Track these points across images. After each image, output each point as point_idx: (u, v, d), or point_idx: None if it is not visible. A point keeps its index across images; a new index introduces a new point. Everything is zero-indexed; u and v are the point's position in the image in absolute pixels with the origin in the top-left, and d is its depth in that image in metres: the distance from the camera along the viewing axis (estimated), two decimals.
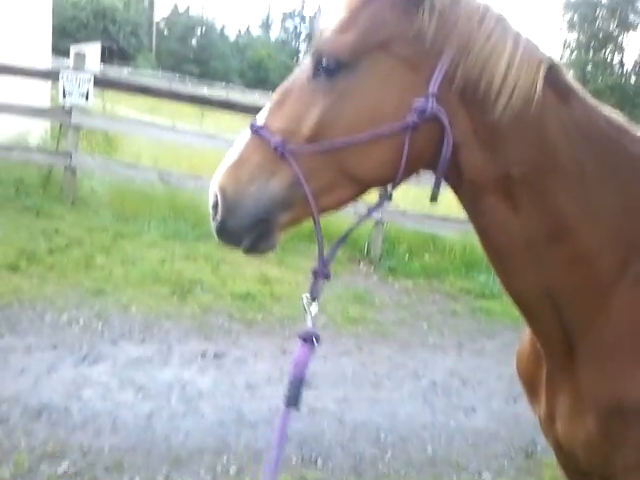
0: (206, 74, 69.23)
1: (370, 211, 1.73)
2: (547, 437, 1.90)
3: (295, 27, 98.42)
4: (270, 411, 4.11)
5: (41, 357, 4.39)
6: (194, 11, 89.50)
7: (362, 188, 1.61)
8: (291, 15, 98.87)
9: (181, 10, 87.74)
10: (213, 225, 1.59)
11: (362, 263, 7.88)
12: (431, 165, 1.59)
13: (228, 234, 1.59)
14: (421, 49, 1.53)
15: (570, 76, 1.65)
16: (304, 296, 1.67)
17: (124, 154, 10.97)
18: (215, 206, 1.58)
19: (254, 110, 7.44)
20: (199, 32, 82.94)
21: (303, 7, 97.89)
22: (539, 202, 1.58)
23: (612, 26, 74.67)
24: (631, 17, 74.75)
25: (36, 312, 5.07)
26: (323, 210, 1.61)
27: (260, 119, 1.59)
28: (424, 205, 8.25)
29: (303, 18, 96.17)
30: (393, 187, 1.64)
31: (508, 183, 1.58)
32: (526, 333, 1.93)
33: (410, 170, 1.59)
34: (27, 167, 8.46)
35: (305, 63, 1.60)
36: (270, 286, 6.34)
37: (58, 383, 4.09)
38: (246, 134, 1.60)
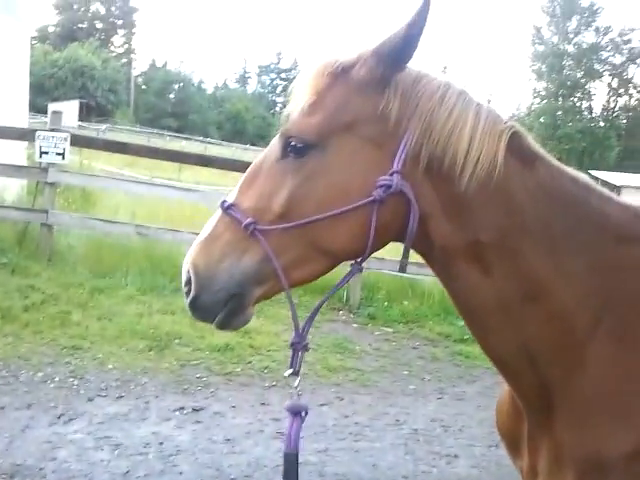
0: (184, 127, 69.82)
1: (341, 283, 1.75)
2: None
3: (271, 80, 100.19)
4: (250, 465, 4.05)
5: (15, 417, 4.31)
6: (172, 65, 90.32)
7: (333, 261, 1.65)
8: (267, 69, 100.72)
9: (159, 65, 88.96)
10: (186, 301, 1.63)
11: (341, 311, 7.88)
12: (400, 236, 1.63)
13: (201, 309, 1.62)
14: (385, 129, 1.59)
15: (533, 141, 1.70)
16: (286, 373, 1.70)
17: (102, 208, 10.98)
18: (187, 283, 1.62)
19: (229, 166, 7.55)
20: (177, 86, 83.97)
21: (279, 61, 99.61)
22: (510, 265, 1.62)
23: (579, 75, 77.09)
24: (596, 66, 77.32)
25: (10, 371, 4.98)
26: (295, 283, 1.65)
27: (230, 197, 1.65)
28: (401, 251, 8.30)
29: (279, 72, 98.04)
30: (363, 260, 1.67)
31: (478, 248, 1.62)
32: (505, 388, 1.94)
33: (379, 243, 1.63)
34: (3, 224, 8.42)
35: (273, 144, 1.66)
36: (249, 337, 6.30)
37: (32, 443, 4.00)
38: (217, 212, 1.65)
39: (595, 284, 1.65)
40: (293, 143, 1.60)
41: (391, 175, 1.56)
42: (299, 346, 1.68)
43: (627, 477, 1.60)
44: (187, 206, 10.48)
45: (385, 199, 1.55)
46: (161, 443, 4.20)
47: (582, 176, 1.74)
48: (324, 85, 1.63)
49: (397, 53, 1.58)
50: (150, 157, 8.65)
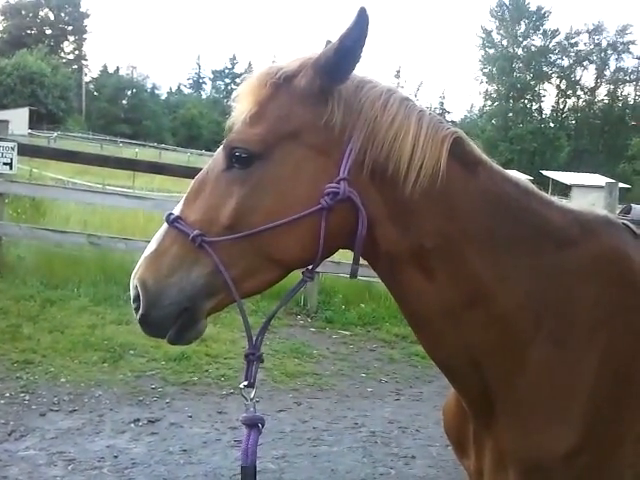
0: (138, 134, 68.97)
1: (292, 292, 1.73)
2: None
3: (226, 85, 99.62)
4: (207, 476, 4.01)
5: None
6: (124, 71, 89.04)
7: (284, 270, 1.64)
8: (221, 74, 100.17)
9: (110, 70, 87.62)
10: (136, 318, 1.60)
11: (299, 316, 7.88)
12: (348, 243, 1.63)
13: (152, 325, 1.60)
14: (330, 136, 1.59)
15: (475, 146, 1.73)
16: (241, 385, 1.67)
17: (53, 218, 10.74)
18: (136, 299, 1.60)
19: (182, 172, 7.49)
20: (129, 92, 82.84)
21: (233, 66, 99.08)
22: (453, 270, 1.64)
23: (528, 77, 78.91)
24: (545, 68, 79.22)
25: None
26: (247, 294, 1.64)
27: (176, 210, 1.63)
28: None
29: (234, 77, 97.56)
30: (313, 268, 1.67)
31: (422, 254, 1.63)
32: (452, 390, 1.97)
33: (329, 250, 1.63)
34: None
35: (218, 155, 1.65)
36: (205, 345, 6.24)
37: None
38: (163, 226, 1.62)
39: (536, 288, 1.68)
40: (238, 154, 1.58)
41: (338, 182, 1.56)
42: (253, 357, 1.66)
43: (566, 476, 1.65)
44: (141, 214, 10.34)
45: (333, 206, 1.55)
46: (116, 456, 4.13)
47: (523, 181, 1.77)
48: (266, 95, 1.62)
49: (331, 66, 1.57)
50: (101, 165, 8.52)
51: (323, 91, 1.59)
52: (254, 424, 1.67)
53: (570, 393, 1.65)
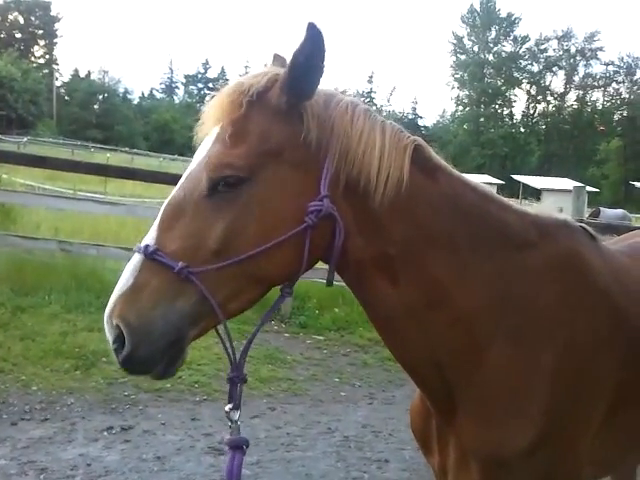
0: (110, 139, 68.22)
1: (272, 309, 1.74)
2: None
3: (199, 90, 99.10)
4: None
5: None
6: (95, 76, 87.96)
7: (268, 288, 1.67)
8: (194, 78, 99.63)
9: (82, 74, 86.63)
10: (119, 358, 1.51)
11: (273, 321, 7.87)
12: (324, 255, 1.67)
13: (139, 363, 1.52)
14: (309, 153, 1.61)
15: (434, 153, 1.78)
16: (226, 408, 1.67)
17: (23, 224, 10.60)
18: (117, 339, 1.51)
19: (153, 177, 7.45)
20: (101, 97, 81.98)
21: (206, 71, 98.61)
22: (416, 275, 1.69)
23: (499, 82, 79.97)
24: (515, 74, 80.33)
25: None
26: (231, 316, 1.64)
27: (150, 240, 1.56)
28: None
29: (207, 82, 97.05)
30: (293, 284, 1.69)
31: (387, 261, 1.68)
32: (418, 391, 2.02)
33: (310, 264, 1.67)
34: None
35: (195, 180, 1.59)
36: None
37: None
38: (136, 258, 1.55)
39: (495, 289, 1.74)
40: (224, 176, 1.55)
41: (321, 200, 1.58)
42: (237, 379, 1.66)
43: (526, 471, 1.71)
44: (113, 220, 10.27)
45: (318, 223, 1.58)
46: (89, 465, 4.10)
47: (482, 185, 1.84)
48: (242, 114, 1.60)
49: (292, 83, 1.58)
50: (71, 171, 8.43)
51: (292, 108, 1.61)
52: (239, 446, 1.67)
53: (529, 390, 1.71)
